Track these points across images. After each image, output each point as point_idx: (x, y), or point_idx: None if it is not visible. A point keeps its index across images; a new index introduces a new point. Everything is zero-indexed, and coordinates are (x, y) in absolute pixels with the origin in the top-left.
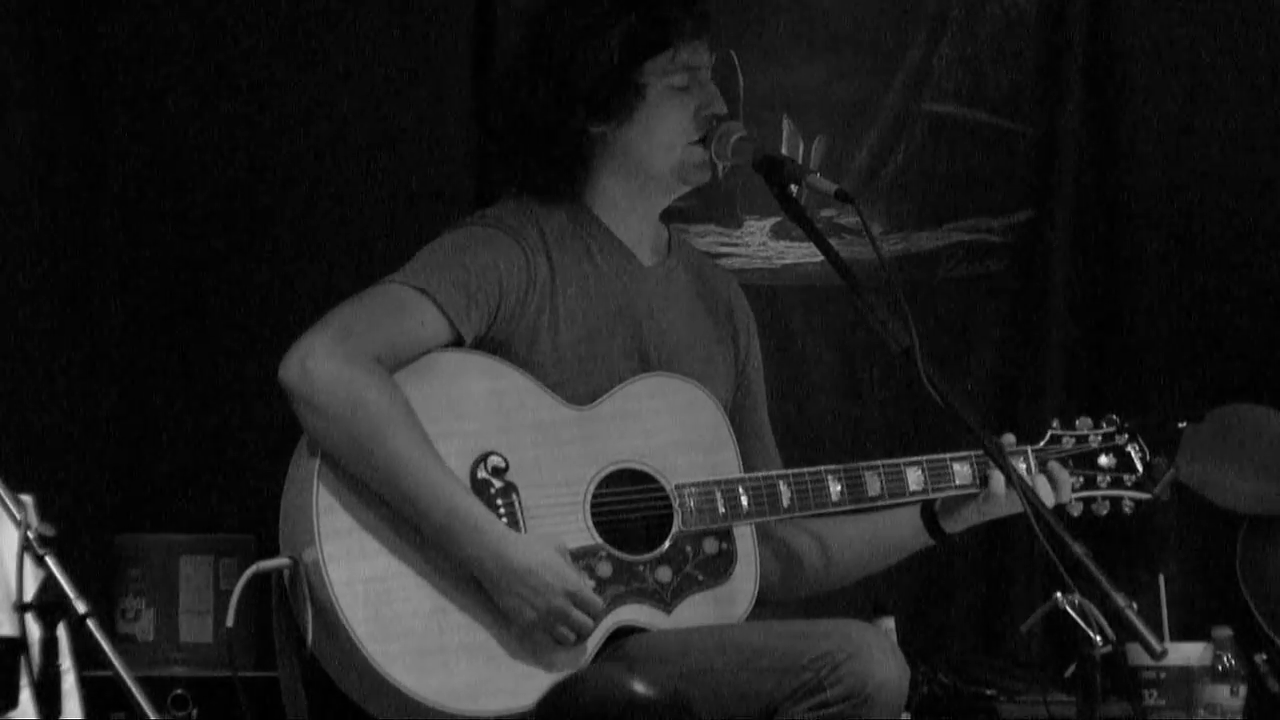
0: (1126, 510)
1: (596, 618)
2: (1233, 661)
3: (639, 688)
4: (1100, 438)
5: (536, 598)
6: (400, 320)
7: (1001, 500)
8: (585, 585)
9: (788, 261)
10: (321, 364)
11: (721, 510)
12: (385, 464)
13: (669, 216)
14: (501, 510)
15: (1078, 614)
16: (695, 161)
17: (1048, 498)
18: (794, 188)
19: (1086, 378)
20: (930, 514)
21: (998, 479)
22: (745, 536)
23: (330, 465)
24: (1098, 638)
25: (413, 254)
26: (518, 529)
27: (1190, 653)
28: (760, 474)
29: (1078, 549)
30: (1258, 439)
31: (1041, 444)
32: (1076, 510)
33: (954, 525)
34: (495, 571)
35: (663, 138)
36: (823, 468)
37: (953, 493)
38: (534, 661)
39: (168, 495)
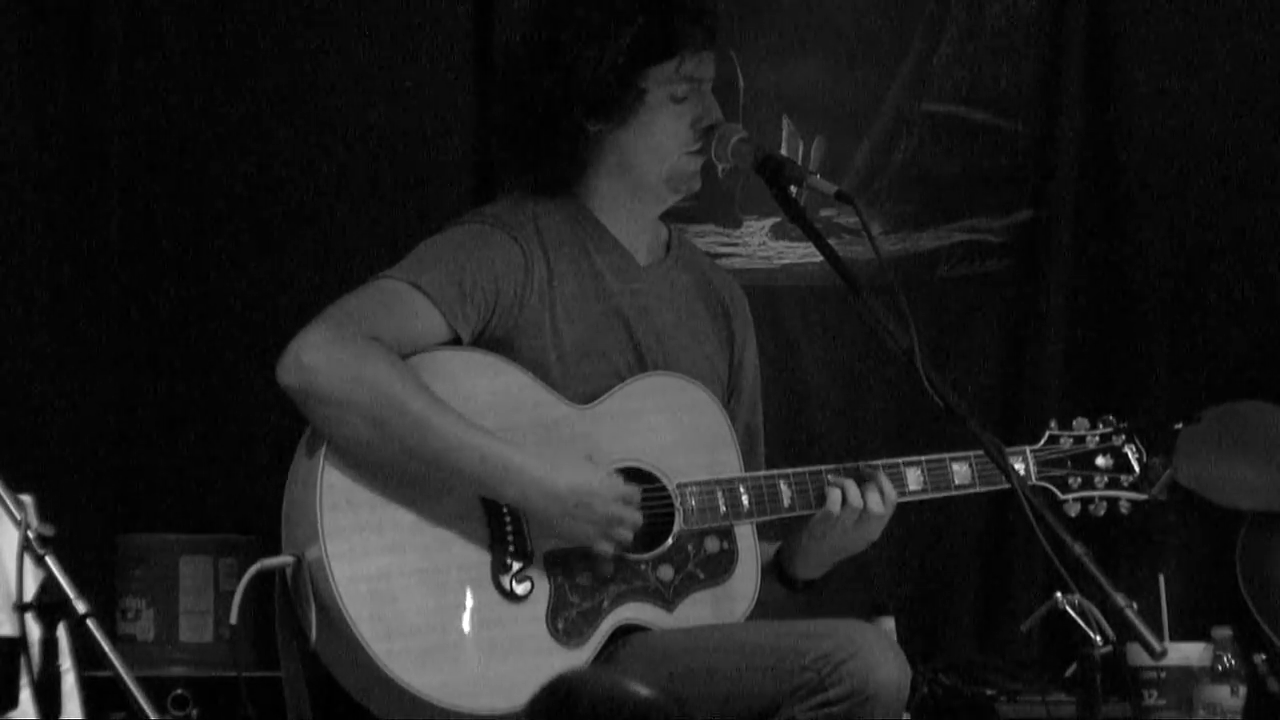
0: (1123, 511)
1: (639, 508)
2: (1233, 661)
3: (639, 687)
4: (1097, 438)
5: (592, 513)
6: (393, 313)
7: (838, 521)
8: (623, 484)
9: (787, 261)
10: (318, 355)
11: (723, 509)
12: (407, 430)
13: (669, 217)
14: (504, 509)
15: (1078, 614)
16: (688, 171)
17: (876, 507)
18: (794, 189)
19: (1086, 378)
20: (780, 568)
21: (833, 497)
22: (746, 536)
23: (333, 462)
24: (1098, 638)
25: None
26: (520, 527)
27: (1190, 653)
28: (761, 473)
29: (1077, 549)
30: (1262, 432)
31: (1039, 444)
32: (1074, 510)
33: (805, 569)
34: (544, 503)
35: (657, 144)
36: (823, 467)
37: (953, 493)
38: (538, 658)
39: (168, 495)
